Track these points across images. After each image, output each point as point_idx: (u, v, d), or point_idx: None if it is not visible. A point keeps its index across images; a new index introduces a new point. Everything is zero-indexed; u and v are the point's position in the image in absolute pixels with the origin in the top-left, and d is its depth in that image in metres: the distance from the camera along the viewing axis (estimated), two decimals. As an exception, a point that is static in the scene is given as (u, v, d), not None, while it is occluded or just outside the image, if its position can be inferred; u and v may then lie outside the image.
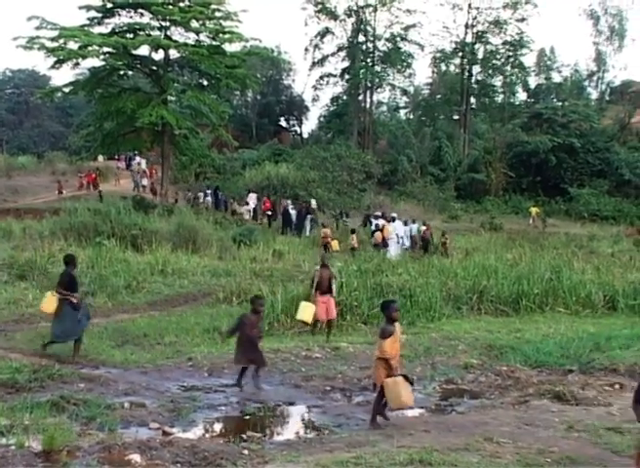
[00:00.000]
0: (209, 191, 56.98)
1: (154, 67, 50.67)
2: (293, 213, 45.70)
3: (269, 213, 48.75)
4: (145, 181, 59.20)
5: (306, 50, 79.36)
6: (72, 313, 14.09)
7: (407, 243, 37.55)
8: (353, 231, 35.97)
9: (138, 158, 64.69)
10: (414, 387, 10.99)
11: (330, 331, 17.12)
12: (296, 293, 18.84)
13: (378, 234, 33.17)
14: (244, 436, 10.02)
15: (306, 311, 16.65)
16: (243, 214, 49.60)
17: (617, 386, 12.11)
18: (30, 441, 9.11)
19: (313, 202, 49.58)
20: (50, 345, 14.39)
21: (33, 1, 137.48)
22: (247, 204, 51.34)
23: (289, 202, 48.55)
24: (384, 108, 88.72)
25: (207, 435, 10.38)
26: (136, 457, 8.72)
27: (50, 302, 14.35)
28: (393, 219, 37.91)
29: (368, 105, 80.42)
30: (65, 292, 14.10)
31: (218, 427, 10.84)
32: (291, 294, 18.78)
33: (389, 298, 15.22)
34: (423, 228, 38.02)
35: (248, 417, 11.16)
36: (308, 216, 44.07)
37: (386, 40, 77.90)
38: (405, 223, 38.52)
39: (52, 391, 11.47)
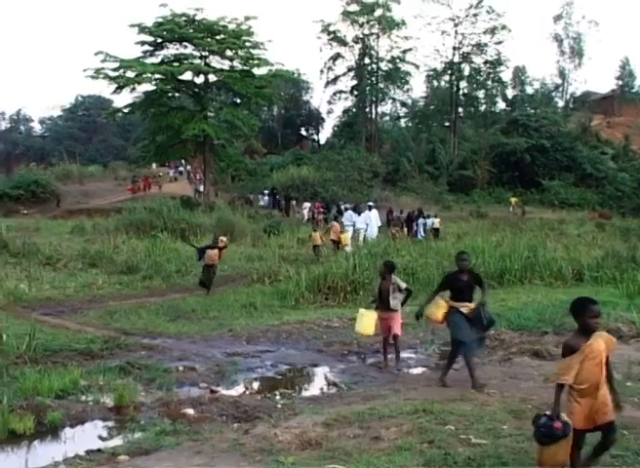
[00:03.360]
0: (266, 191, 56.57)
1: (196, 89, 50.98)
2: (345, 207, 45.57)
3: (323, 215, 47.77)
4: (202, 187, 57.45)
5: (321, 71, 79.27)
6: (462, 322, 9.82)
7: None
8: (315, 229, 28.81)
9: (188, 166, 64.79)
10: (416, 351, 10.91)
11: (396, 347, 11.61)
12: (317, 274, 18.77)
13: (315, 234, 26.73)
14: (277, 392, 10.05)
15: (363, 321, 11.67)
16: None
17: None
18: (104, 398, 9.24)
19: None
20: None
21: (99, 38, 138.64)
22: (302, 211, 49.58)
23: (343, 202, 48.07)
24: (387, 118, 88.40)
25: (246, 392, 10.40)
26: (189, 411, 8.78)
27: (437, 309, 10.15)
28: (370, 208, 33.68)
29: (373, 116, 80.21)
30: (453, 301, 9.92)
31: (255, 386, 10.85)
32: (312, 275, 18.72)
33: (584, 296, 7.11)
34: (437, 220, 37.96)
35: (280, 377, 11.19)
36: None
37: (388, 61, 77.68)
38: (369, 209, 33.88)
39: (120, 358, 11.53)
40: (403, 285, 11.77)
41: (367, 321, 11.62)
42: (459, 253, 10.43)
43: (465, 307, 9.73)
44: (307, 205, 49.04)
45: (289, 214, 49.88)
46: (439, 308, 9.95)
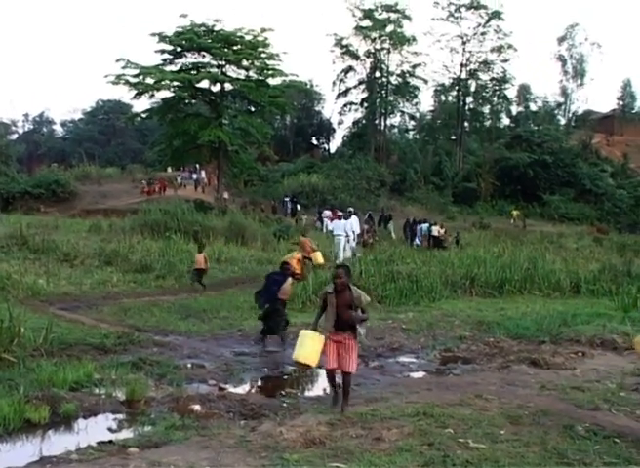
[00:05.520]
0: (287, 199, 56.21)
1: (212, 97, 51.16)
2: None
3: None
4: (227, 194, 56.27)
5: (333, 83, 79.77)
6: None
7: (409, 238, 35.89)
8: (200, 249, 21.26)
9: (203, 172, 64.69)
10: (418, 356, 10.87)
11: (346, 392, 8.44)
12: (324, 278, 18.74)
13: (200, 257, 20.34)
14: (283, 392, 10.04)
15: (307, 346, 8.52)
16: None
17: (580, 354, 12.04)
18: (116, 392, 9.25)
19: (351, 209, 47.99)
20: None
21: (120, 46, 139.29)
22: (322, 219, 45.29)
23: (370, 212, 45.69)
24: (396, 130, 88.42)
25: (253, 390, 10.40)
26: (197, 407, 8.79)
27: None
28: (350, 214, 29.66)
29: (382, 128, 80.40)
30: None
31: (262, 384, 10.86)
32: (320, 279, 18.68)
33: None
34: (436, 228, 37.40)
35: (286, 377, 11.18)
36: (391, 222, 42.75)
37: (398, 76, 77.93)
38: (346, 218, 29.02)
39: (132, 353, 11.53)
40: (367, 299, 8.52)
41: (312, 346, 8.46)
42: None
43: None
44: (328, 213, 44.13)
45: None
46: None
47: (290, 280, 13.65)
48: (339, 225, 28.13)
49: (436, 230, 37.14)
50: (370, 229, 36.79)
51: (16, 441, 7.64)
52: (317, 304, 8.21)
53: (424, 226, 37.40)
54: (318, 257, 21.83)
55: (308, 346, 8.44)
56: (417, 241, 36.55)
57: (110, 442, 7.39)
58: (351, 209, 32.70)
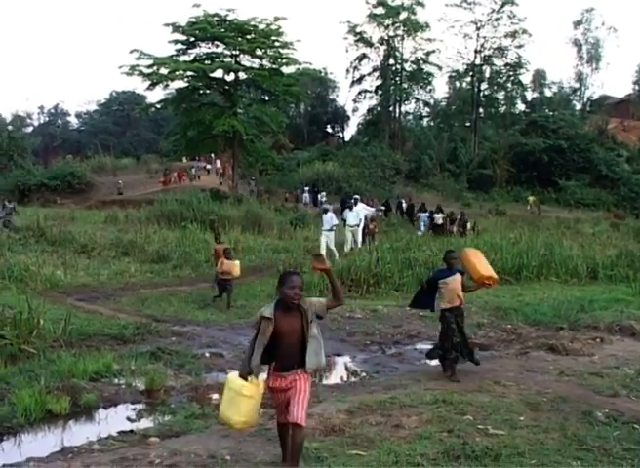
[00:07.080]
0: (307, 188, 55.71)
1: (227, 86, 51.05)
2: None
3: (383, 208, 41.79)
4: (254, 186, 56.26)
5: (347, 71, 79.32)
6: None
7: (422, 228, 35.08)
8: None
9: (218, 162, 64.66)
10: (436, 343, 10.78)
11: (295, 451, 5.63)
12: (341, 266, 18.75)
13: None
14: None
15: (239, 406, 5.82)
16: None
17: (598, 340, 11.97)
18: (135, 381, 9.32)
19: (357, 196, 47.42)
20: None
21: (134, 37, 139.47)
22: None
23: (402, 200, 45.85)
24: (410, 117, 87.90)
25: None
26: (216, 396, 8.80)
27: None
28: (355, 202, 28.72)
29: (397, 115, 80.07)
30: None
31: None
32: (337, 267, 18.69)
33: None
34: (439, 216, 36.20)
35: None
36: (424, 213, 41.59)
37: (412, 63, 77.53)
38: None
39: (151, 343, 11.59)
40: (322, 301, 5.91)
41: (247, 404, 5.86)
42: None
43: None
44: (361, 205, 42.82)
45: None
46: None
47: (458, 277, 9.54)
48: (352, 215, 26.25)
49: (440, 218, 35.98)
50: (375, 217, 35.08)
51: (37, 431, 7.71)
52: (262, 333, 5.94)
53: (424, 215, 36.66)
54: (235, 268, 18.00)
55: (243, 405, 5.84)
56: (420, 230, 35.68)
57: (131, 431, 7.46)
58: (357, 196, 31.88)
